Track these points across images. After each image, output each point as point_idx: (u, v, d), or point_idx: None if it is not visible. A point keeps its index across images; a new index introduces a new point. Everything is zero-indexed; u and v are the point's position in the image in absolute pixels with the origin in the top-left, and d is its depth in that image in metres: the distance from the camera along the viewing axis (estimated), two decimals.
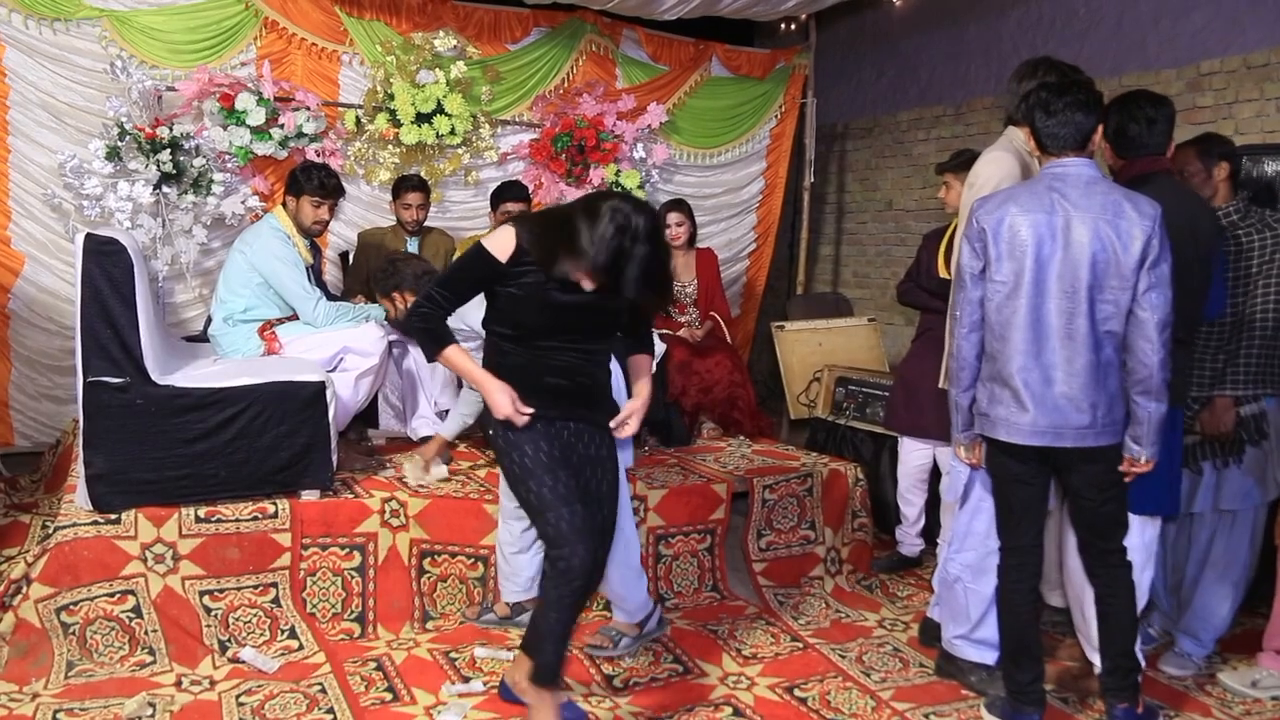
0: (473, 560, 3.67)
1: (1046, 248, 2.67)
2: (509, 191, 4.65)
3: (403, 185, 4.79)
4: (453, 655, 3.33)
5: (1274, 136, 4.39)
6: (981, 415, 2.84)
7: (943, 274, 4.02)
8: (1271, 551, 3.41)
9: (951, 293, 2.93)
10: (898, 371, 4.47)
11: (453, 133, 5.21)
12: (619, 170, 5.63)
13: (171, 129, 4.55)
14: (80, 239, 3.24)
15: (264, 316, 3.99)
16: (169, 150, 4.49)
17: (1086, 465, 2.76)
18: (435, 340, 2.73)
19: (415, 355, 4.42)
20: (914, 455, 4.21)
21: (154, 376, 3.33)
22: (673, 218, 4.97)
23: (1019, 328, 2.71)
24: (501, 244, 2.66)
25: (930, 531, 4.30)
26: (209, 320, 4.62)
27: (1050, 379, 2.69)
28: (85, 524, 3.25)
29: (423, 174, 5.16)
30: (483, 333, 2.92)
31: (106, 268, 3.23)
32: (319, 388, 3.55)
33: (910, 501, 4.30)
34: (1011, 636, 2.94)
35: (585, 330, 2.76)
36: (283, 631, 3.38)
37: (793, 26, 6.27)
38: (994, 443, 2.84)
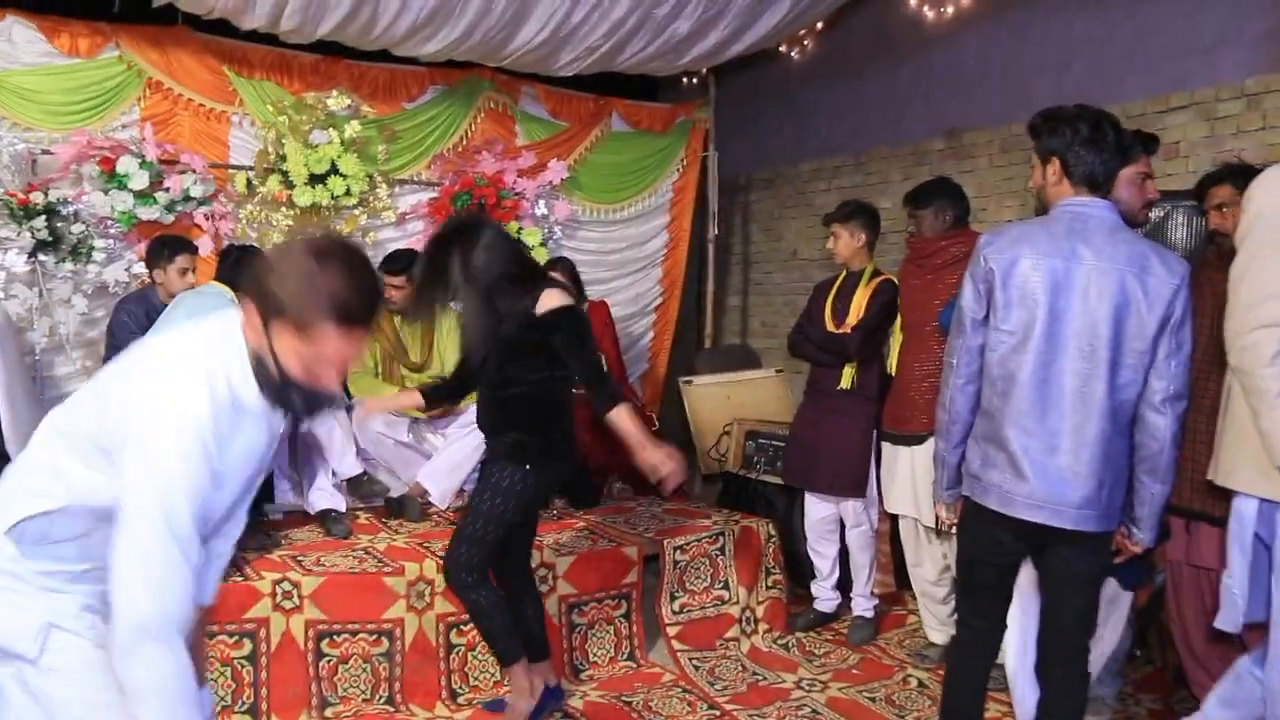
0: (376, 637, 3.49)
1: (1063, 299, 2.36)
2: (393, 263, 4.48)
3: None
4: None
5: None
6: (972, 477, 2.54)
7: (829, 327, 4.00)
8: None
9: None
10: (791, 427, 4.37)
11: (348, 193, 5.07)
12: (520, 228, 5.55)
13: (47, 194, 4.34)
14: None
15: None
16: (44, 216, 4.29)
17: (1076, 550, 2.44)
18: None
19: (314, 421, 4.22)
20: (817, 507, 4.15)
21: (14, 455, 3.10)
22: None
23: (1024, 385, 2.40)
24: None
25: (845, 585, 4.25)
26: None
27: (1055, 447, 2.38)
28: None
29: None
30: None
31: None
32: None
33: (821, 554, 4.23)
34: (952, 715, 2.69)
35: None
36: None
37: (694, 80, 6.32)
38: (979, 510, 2.52)
